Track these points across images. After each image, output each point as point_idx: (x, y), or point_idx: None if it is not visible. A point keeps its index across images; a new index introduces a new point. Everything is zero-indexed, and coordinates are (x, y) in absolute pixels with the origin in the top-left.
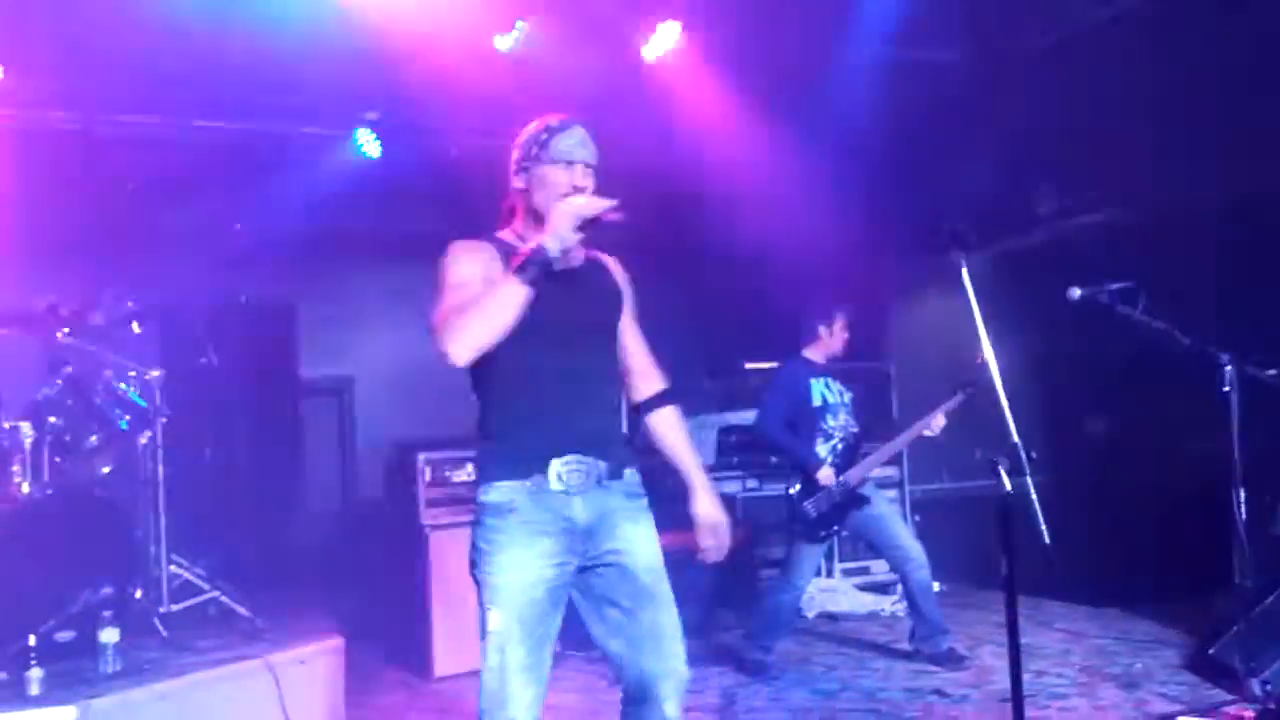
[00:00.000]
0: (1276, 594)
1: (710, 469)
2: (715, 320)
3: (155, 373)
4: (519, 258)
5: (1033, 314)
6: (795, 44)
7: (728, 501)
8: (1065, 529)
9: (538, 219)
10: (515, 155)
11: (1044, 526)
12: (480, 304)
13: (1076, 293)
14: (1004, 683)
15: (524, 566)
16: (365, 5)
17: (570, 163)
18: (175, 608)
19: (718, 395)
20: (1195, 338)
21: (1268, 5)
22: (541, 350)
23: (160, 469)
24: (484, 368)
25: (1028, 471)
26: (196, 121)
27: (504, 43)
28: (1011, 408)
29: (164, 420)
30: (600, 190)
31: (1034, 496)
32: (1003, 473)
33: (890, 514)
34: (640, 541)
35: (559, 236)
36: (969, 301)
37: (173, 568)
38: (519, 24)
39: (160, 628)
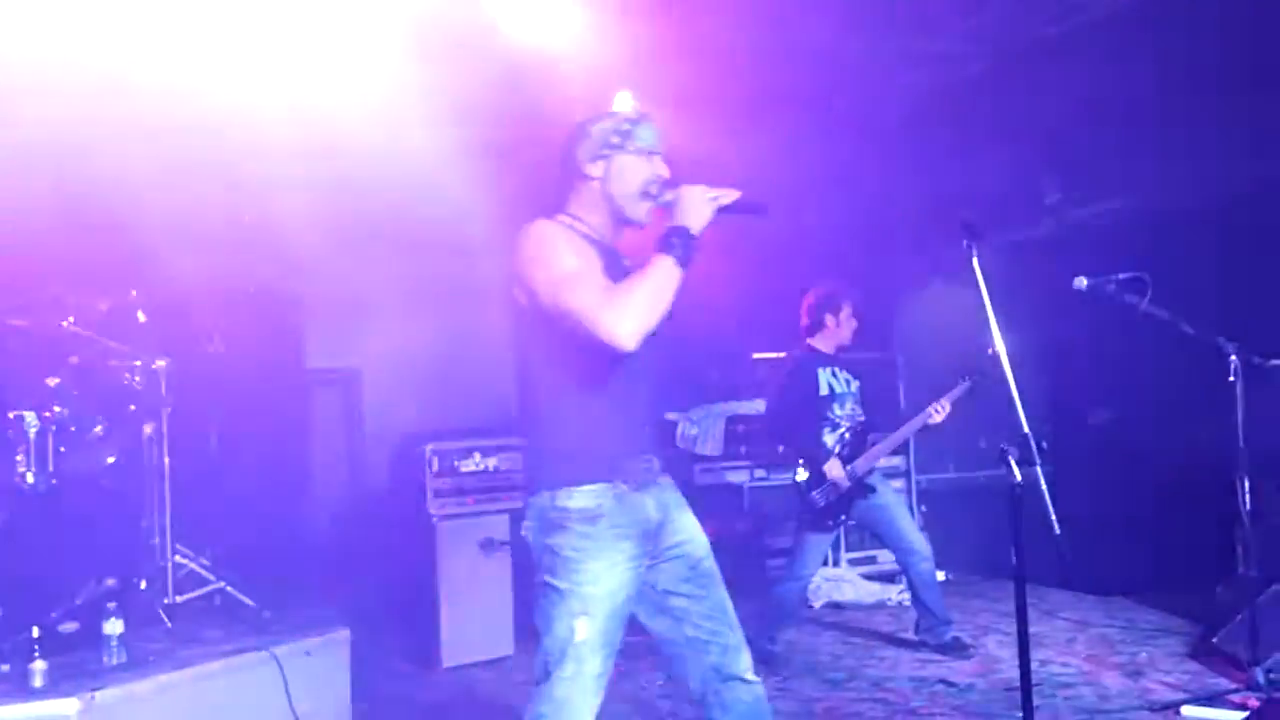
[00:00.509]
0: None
1: (718, 459)
2: (722, 310)
3: (161, 362)
4: (662, 239)
5: (1040, 304)
6: (807, 32)
7: (734, 491)
8: (1072, 517)
9: (611, 205)
10: (587, 143)
11: (1054, 517)
12: (644, 287)
13: (1083, 282)
14: (1010, 672)
15: (614, 573)
16: None
17: (652, 153)
18: (180, 599)
19: (724, 385)
20: (1201, 328)
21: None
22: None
23: (166, 459)
24: (561, 368)
25: (1038, 461)
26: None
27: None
28: (1020, 397)
29: (169, 410)
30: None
31: (1044, 487)
32: (1013, 463)
33: (896, 504)
34: (694, 527)
35: (695, 218)
36: (977, 292)
37: (178, 558)
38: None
39: (165, 619)
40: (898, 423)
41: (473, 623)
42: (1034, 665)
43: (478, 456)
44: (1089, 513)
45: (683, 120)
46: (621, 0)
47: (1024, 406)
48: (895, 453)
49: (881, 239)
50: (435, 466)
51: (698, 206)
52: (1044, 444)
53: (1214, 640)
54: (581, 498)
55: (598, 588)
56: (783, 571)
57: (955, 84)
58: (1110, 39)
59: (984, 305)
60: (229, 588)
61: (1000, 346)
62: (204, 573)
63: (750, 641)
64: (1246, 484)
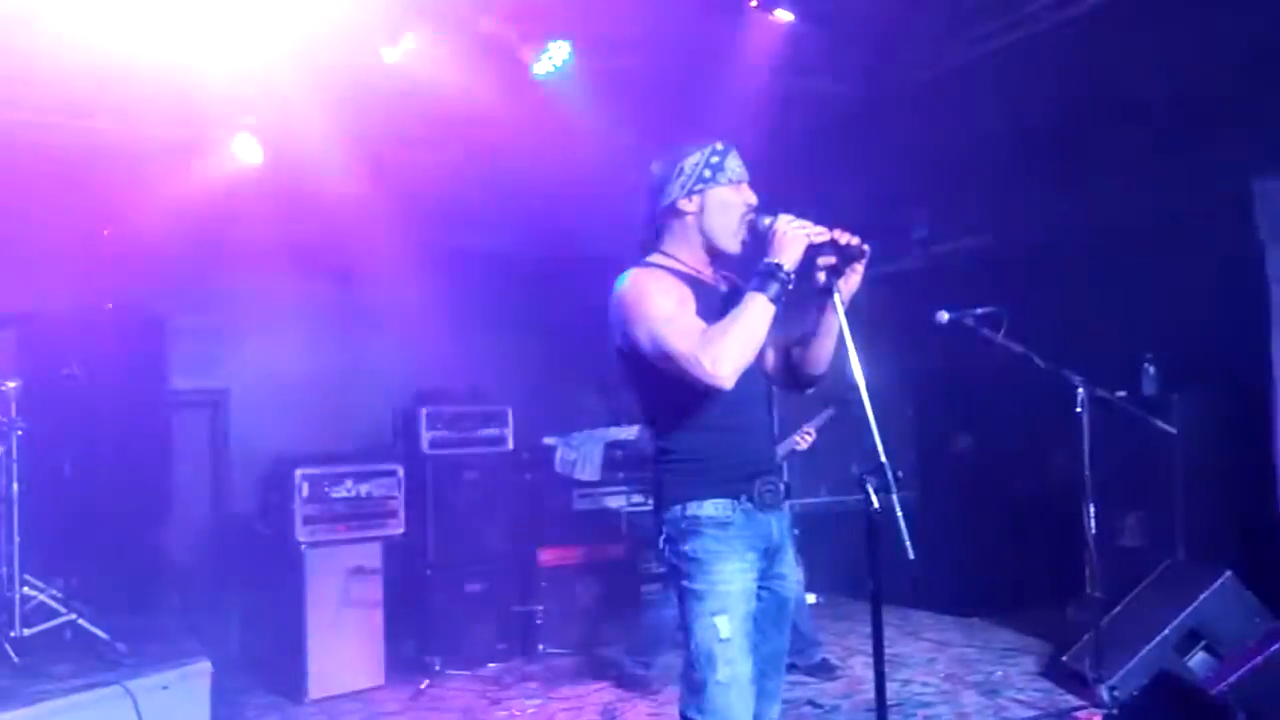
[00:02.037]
0: (1124, 604)
1: (596, 484)
2: (602, 337)
3: (11, 384)
4: (756, 274)
5: (907, 334)
6: (683, 68)
7: (612, 516)
8: (933, 541)
9: (705, 239)
10: (680, 179)
11: (909, 543)
12: (738, 327)
13: (945, 316)
14: (874, 693)
15: (745, 577)
16: (250, 7)
17: (741, 182)
18: (28, 632)
19: (605, 411)
20: (1051, 361)
21: (1110, 53)
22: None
23: (15, 485)
24: (681, 401)
25: (894, 489)
26: (62, 119)
27: (391, 54)
28: (884, 426)
29: (19, 433)
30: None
31: (899, 514)
32: (871, 490)
33: None
34: (795, 571)
35: (791, 254)
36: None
37: (26, 589)
38: (406, 35)
39: (12, 654)
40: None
41: (342, 653)
42: (896, 685)
43: (350, 483)
44: (950, 536)
45: (565, 149)
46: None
47: (891, 435)
48: None
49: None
50: (305, 492)
51: (792, 242)
52: (900, 473)
53: (1063, 659)
54: (711, 507)
55: (733, 586)
56: (659, 596)
57: (829, 121)
58: (973, 84)
59: (846, 336)
60: (81, 620)
61: (859, 377)
62: (54, 604)
63: (624, 664)
64: (1092, 509)
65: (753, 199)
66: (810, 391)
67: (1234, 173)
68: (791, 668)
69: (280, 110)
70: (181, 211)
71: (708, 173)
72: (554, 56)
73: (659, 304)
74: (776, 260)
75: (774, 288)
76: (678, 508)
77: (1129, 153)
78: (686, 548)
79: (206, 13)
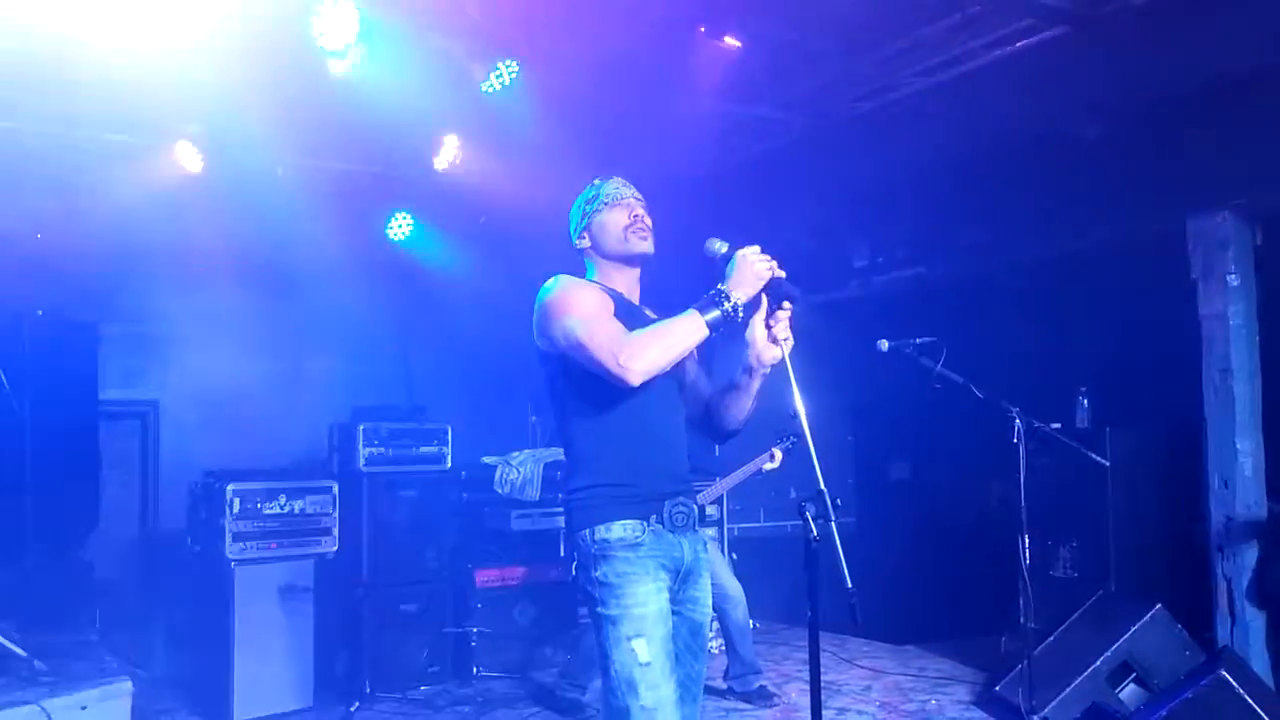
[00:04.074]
0: (1057, 635)
1: (535, 504)
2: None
3: None
4: (705, 295)
5: (847, 364)
6: (630, 91)
7: (551, 537)
8: (872, 568)
9: (615, 261)
10: (572, 226)
11: (847, 571)
12: (662, 331)
13: (885, 345)
14: None
15: (659, 599)
16: (195, 15)
17: (620, 199)
18: None
19: (544, 431)
20: (989, 391)
21: (1045, 91)
22: (653, 393)
23: None
24: (594, 410)
25: (833, 517)
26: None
27: (338, 66)
28: (824, 453)
29: None
30: None
31: (838, 541)
32: (809, 517)
33: (714, 551)
34: (708, 595)
35: (745, 289)
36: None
37: None
38: (354, 48)
39: None
40: (718, 471)
41: (269, 672)
42: (831, 713)
43: (283, 499)
44: (888, 564)
45: (507, 167)
46: (464, 49)
47: (833, 462)
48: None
49: (693, 299)
50: (236, 508)
51: (750, 277)
52: (838, 500)
53: (997, 689)
54: (621, 529)
55: (648, 608)
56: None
57: (772, 149)
58: (912, 117)
59: (787, 364)
60: None
61: (800, 406)
62: None
63: (559, 689)
64: (1026, 540)
65: (640, 211)
66: (718, 450)
67: (1167, 210)
68: (729, 693)
69: (222, 119)
70: (117, 218)
71: (589, 206)
72: (503, 75)
73: (580, 301)
74: (728, 290)
75: (714, 313)
76: (586, 531)
77: (1064, 189)
78: (598, 573)
79: (148, 19)
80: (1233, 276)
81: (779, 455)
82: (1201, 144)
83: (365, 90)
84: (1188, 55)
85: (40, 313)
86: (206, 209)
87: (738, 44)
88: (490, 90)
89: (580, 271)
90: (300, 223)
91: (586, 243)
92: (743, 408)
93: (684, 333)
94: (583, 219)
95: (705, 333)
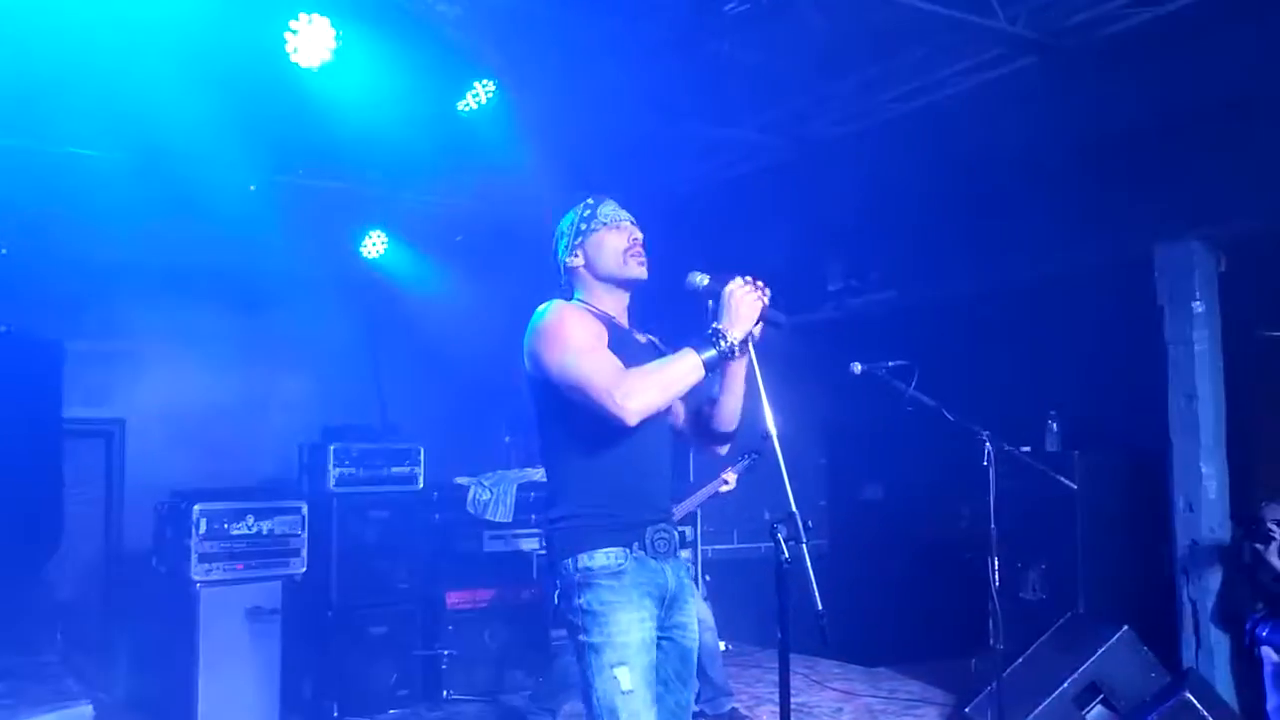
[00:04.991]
0: (1025, 656)
1: (508, 526)
2: (518, 378)
3: None
4: (702, 336)
5: (821, 385)
6: (609, 113)
7: (524, 559)
8: (844, 590)
9: (608, 283)
10: (563, 241)
11: (817, 593)
12: (660, 373)
13: (858, 367)
14: None
15: (643, 627)
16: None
17: (618, 223)
18: None
19: (518, 452)
20: (960, 414)
21: (1016, 119)
22: (641, 422)
23: None
24: (580, 436)
25: (804, 539)
26: None
27: (313, 83)
28: (797, 475)
29: None
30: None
31: (809, 564)
32: (781, 540)
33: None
34: (695, 622)
35: (742, 326)
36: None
37: None
38: (327, 60)
39: None
40: (686, 494)
41: (234, 696)
42: None
43: (251, 519)
44: (860, 585)
45: (483, 186)
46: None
47: (802, 483)
48: (683, 523)
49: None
50: (203, 528)
51: (745, 315)
52: (809, 521)
53: (966, 711)
54: (603, 557)
55: (630, 637)
56: (568, 642)
57: (748, 169)
58: (888, 142)
59: (760, 385)
60: None
61: (772, 427)
62: None
63: (532, 712)
64: (996, 562)
65: (638, 234)
66: (724, 450)
67: (1135, 237)
68: (701, 716)
69: (193, 133)
70: (85, 233)
71: (583, 225)
72: (480, 95)
73: (577, 333)
74: (723, 329)
75: (710, 354)
76: (569, 560)
77: (1035, 216)
78: (580, 601)
79: (119, 30)
80: (1198, 303)
81: (733, 478)
82: (1167, 173)
83: (339, 107)
84: (1153, 86)
85: (4, 329)
86: (174, 223)
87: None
88: (467, 109)
89: (558, 290)
90: (272, 240)
91: (579, 261)
92: (733, 407)
93: (681, 374)
94: (576, 236)
95: (702, 373)
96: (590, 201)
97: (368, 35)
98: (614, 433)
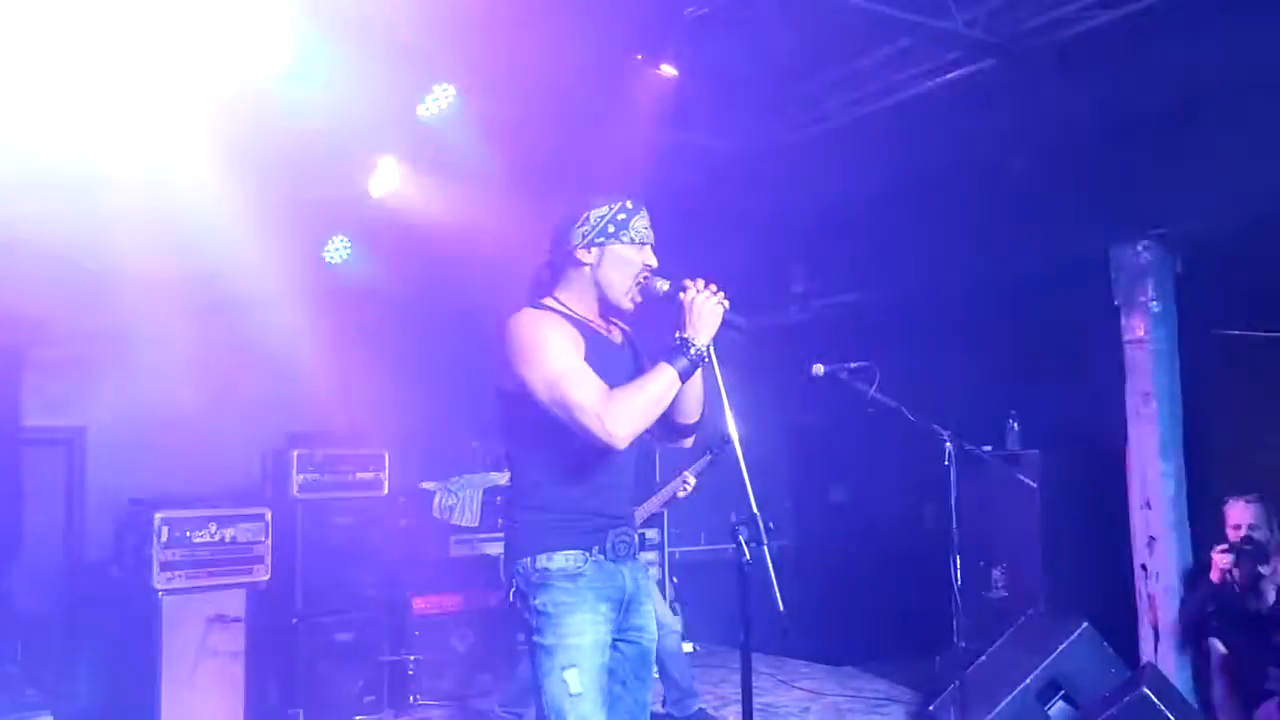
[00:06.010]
0: (988, 654)
1: (474, 530)
2: (484, 383)
3: None
4: (669, 348)
5: (785, 387)
6: (567, 117)
7: (490, 563)
8: (810, 590)
9: (599, 291)
10: (583, 228)
11: (779, 594)
12: (644, 395)
13: (819, 369)
14: None
15: (596, 628)
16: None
17: (644, 243)
18: None
19: (485, 456)
20: (921, 415)
21: (974, 122)
22: None
23: None
24: (549, 440)
25: (765, 540)
26: None
27: (274, 88)
28: (762, 476)
29: None
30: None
31: (770, 565)
32: (743, 541)
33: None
34: (654, 623)
35: (707, 332)
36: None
37: None
38: (293, 63)
39: None
40: (649, 496)
41: (198, 705)
42: None
43: (213, 526)
44: (827, 585)
45: (444, 191)
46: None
47: (767, 484)
48: (649, 525)
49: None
50: (164, 536)
51: (708, 320)
52: (771, 523)
53: (930, 709)
54: (562, 559)
55: (583, 639)
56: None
57: (709, 173)
58: (847, 145)
59: (722, 388)
60: None
61: (733, 429)
62: None
63: (496, 715)
64: (958, 561)
65: (653, 261)
66: (689, 443)
67: (1092, 238)
68: (667, 718)
69: (153, 139)
70: (40, 237)
71: (611, 228)
72: (439, 100)
73: (559, 352)
74: (690, 336)
75: (683, 363)
76: (527, 560)
77: (993, 217)
78: (536, 602)
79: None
80: (1154, 303)
81: (692, 480)
82: (1123, 174)
83: (300, 112)
84: (1110, 89)
85: None
86: (131, 226)
87: (674, 72)
88: (427, 114)
89: (533, 284)
90: (234, 244)
91: (590, 259)
92: (693, 397)
93: (662, 390)
94: (599, 236)
95: (680, 384)
96: (629, 206)
97: (328, 39)
98: (584, 439)
